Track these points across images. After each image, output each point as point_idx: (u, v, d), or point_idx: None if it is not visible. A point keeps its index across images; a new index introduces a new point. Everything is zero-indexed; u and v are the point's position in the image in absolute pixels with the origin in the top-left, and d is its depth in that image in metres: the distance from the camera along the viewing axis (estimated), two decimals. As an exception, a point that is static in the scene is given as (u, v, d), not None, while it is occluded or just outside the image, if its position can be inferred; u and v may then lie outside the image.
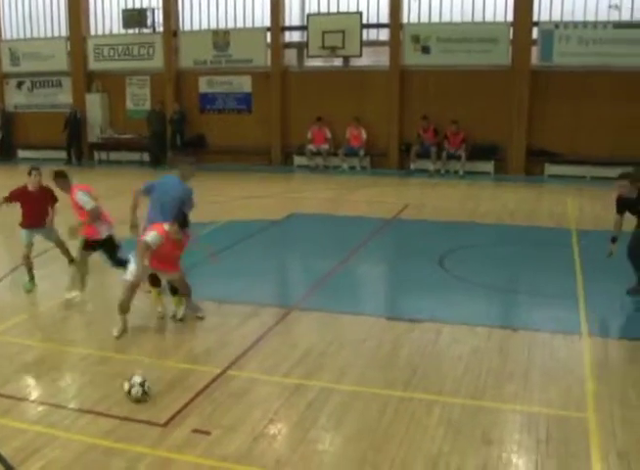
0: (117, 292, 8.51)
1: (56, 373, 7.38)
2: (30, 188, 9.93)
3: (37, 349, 8.00)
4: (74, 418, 6.32)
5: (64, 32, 25.31)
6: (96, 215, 9.20)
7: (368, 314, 9.00)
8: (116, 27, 24.62)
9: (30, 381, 7.27)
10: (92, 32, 25.05)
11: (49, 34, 25.64)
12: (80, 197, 9.26)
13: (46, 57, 25.32)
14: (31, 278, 10.11)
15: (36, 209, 9.95)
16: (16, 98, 26.18)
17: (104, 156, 24.58)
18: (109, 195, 17.54)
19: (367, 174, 21.56)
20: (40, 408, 6.49)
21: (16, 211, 10.01)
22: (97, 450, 5.74)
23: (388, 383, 6.91)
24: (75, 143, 24.03)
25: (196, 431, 5.97)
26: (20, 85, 26.11)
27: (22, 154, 25.58)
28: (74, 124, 23.91)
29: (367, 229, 13.94)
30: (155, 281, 8.85)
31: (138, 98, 24.57)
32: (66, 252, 10.27)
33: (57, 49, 25.21)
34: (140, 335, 8.27)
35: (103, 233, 9.33)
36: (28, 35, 25.89)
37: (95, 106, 24.59)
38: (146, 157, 23.72)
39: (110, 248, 9.47)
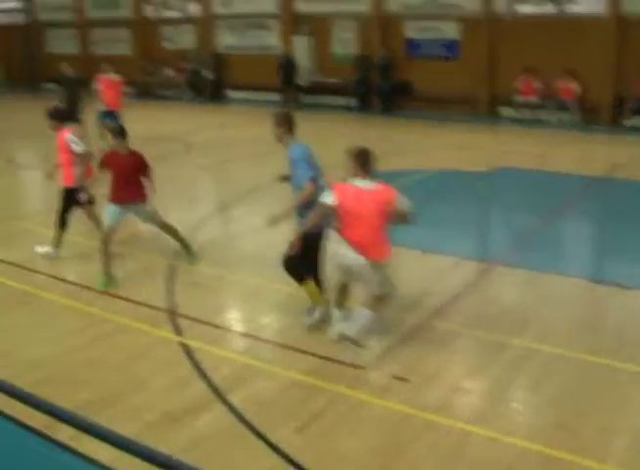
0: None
1: (264, 309, 7.71)
2: (121, 152, 8.48)
3: (250, 284, 8.37)
4: (279, 353, 6.61)
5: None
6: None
7: (573, 275, 8.67)
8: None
9: (239, 314, 7.64)
10: (301, -26, 25.31)
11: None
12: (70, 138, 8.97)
13: (254, -1, 25.90)
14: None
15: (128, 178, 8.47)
16: (226, 39, 27.07)
17: (309, 99, 24.92)
18: (314, 139, 18.00)
19: (578, 129, 20.58)
20: (247, 341, 6.81)
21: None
22: (299, 386, 5.98)
23: (592, 349, 6.64)
24: (288, 86, 24.37)
25: (395, 377, 6.06)
26: (230, 27, 26.94)
27: (231, 94, 26.56)
28: (288, 68, 24.23)
29: (575, 187, 13.37)
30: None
31: (344, 42, 24.68)
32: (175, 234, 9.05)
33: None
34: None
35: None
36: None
37: (301, 49, 24.95)
38: (352, 102, 23.82)
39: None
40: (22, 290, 8.31)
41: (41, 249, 9.27)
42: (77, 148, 8.94)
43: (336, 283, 6.86)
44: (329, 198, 6.30)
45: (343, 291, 6.85)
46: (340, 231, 6.36)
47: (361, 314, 6.41)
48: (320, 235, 6.81)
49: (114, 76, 16.22)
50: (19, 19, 32.08)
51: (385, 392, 5.87)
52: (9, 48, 31.95)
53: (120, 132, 8.45)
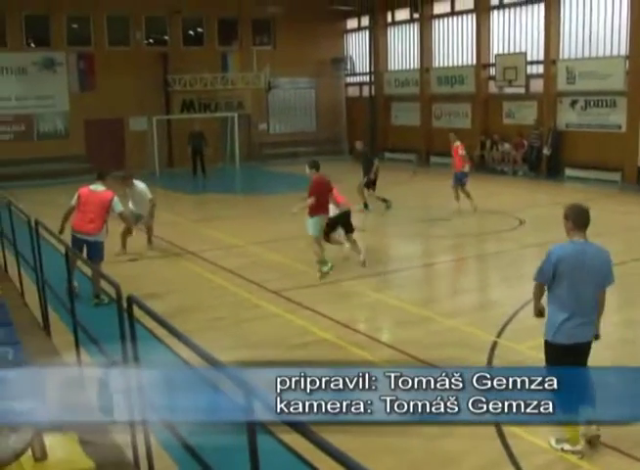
0: None
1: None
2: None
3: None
4: (596, 451, 6.18)
5: (623, 51, 24.90)
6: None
7: None
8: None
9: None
10: (654, 51, 24.17)
11: (607, 53, 25.48)
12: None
13: (603, 76, 25.20)
14: None
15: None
16: (568, 116, 26.58)
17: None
18: None
19: None
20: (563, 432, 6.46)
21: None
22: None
23: None
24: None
25: None
26: (573, 104, 26.43)
27: (568, 172, 25.89)
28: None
29: None
30: None
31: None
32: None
33: (615, 68, 24.92)
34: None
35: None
36: (587, 54, 26.06)
37: (647, 128, 23.72)
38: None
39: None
40: (337, 345, 8.91)
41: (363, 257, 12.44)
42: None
43: None
44: None
45: None
46: None
47: None
48: None
49: (457, 144, 18.85)
50: (366, 92, 34.32)
51: None
52: (355, 118, 34.59)
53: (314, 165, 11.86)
